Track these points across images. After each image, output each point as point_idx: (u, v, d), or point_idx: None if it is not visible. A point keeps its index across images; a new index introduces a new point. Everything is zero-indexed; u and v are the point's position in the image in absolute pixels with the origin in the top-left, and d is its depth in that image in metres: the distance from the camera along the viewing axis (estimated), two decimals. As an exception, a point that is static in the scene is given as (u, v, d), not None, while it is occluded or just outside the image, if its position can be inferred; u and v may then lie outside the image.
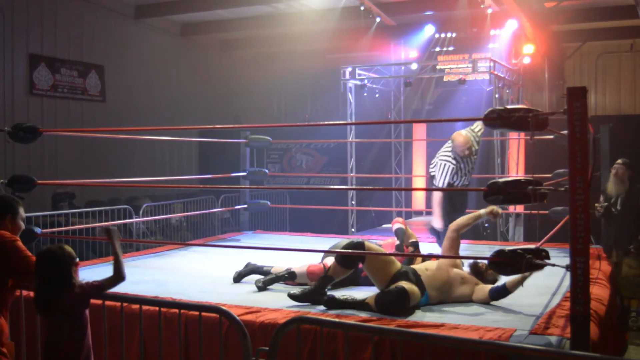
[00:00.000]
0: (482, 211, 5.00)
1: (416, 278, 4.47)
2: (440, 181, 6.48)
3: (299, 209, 10.76)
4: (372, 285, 4.89)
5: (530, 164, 10.39)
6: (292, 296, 4.45)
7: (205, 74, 14.13)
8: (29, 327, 3.95)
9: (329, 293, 4.45)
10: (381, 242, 5.65)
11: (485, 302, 4.51)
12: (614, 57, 13.30)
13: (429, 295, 4.47)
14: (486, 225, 10.28)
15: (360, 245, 4.55)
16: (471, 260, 4.82)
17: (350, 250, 4.54)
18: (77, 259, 3.39)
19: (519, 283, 4.32)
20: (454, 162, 6.40)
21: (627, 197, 7.21)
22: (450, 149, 6.46)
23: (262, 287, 4.99)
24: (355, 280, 5.09)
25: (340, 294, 4.53)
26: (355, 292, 4.79)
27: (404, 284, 4.30)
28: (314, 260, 5.32)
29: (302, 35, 12.83)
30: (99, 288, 3.37)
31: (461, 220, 5.01)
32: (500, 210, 5.01)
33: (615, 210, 7.18)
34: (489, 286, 4.52)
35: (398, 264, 4.61)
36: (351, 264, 4.58)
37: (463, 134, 6.40)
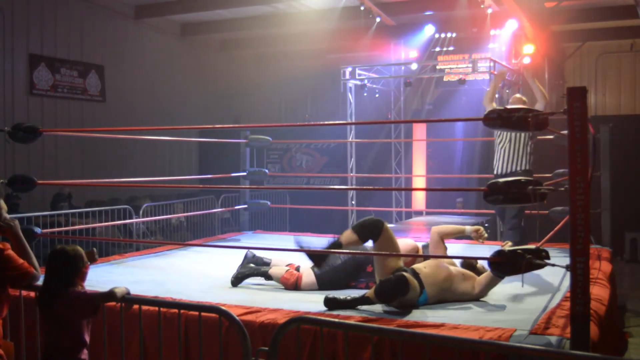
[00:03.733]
0: (468, 228, 5.02)
1: (415, 276, 4.48)
2: None
3: (299, 209, 10.76)
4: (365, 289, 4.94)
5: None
6: (326, 300, 4.39)
7: (205, 74, 14.13)
8: (28, 327, 3.94)
9: (329, 294, 4.45)
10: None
11: (489, 287, 4.55)
12: (614, 57, 13.31)
13: (428, 294, 4.47)
14: (486, 225, 10.28)
15: (379, 222, 4.61)
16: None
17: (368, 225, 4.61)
18: (88, 263, 3.42)
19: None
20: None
21: None
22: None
23: (235, 283, 5.17)
24: (355, 278, 5.09)
25: (339, 293, 4.54)
26: (353, 293, 4.80)
27: (404, 274, 4.34)
28: (302, 264, 5.29)
29: (302, 35, 12.82)
30: (90, 299, 3.34)
31: (445, 228, 5.05)
32: (485, 234, 5.00)
33: None
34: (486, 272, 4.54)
35: (401, 261, 4.64)
36: (365, 236, 4.61)
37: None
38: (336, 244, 4.58)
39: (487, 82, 11.16)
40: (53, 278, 3.33)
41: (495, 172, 6.51)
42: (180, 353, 3.88)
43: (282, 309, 4.29)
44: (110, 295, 3.37)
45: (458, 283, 4.57)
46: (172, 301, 4.23)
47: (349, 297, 4.38)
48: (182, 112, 13.02)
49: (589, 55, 13.39)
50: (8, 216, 3.57)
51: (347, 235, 4.62)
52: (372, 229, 4.59)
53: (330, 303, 4.35)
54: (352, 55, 13.52)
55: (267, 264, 5.35)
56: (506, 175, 6.15)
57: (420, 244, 5.46)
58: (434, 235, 5.00)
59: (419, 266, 4.62)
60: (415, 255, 5.03)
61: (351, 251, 4.73)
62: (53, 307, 3.27)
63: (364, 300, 4.32)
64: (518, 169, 6.30)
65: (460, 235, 5.18)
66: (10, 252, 3.40)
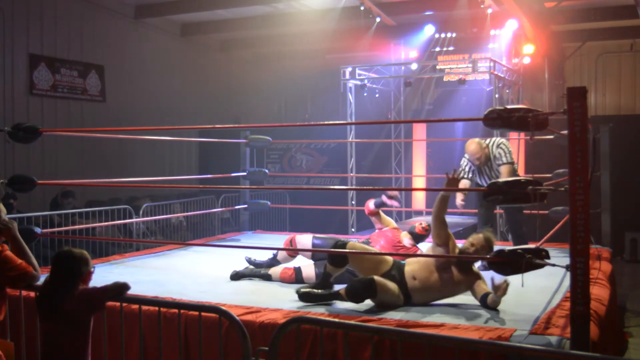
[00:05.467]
0: (443, 193, 4.73)
1: (402, 283, 4.51)
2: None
3: (299, 209, 10.76)
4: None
5: (530, 164, 10.40)
6: (300, 295, 4.54)
7: (205, 74, 14.12)
8: (28, 327, 3.94)
9: (303, 290, 4.56)
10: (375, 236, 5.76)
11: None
12: (614, 57, 13.30)
13: (415, 301, 4.52)
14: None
15: (343, 246, 4.68)
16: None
17: (340, 250, 4.66)
18: (93, 269, 3.41)
19: (498, 301, 4.29)
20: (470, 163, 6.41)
21: None
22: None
23: (235, 277, 5.38)
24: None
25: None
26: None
27: (374, 277, 4.42)
28: (304, 262, 5.48)
29: (302, 35, 12.82)
30: (100, 293, 3.35)
31: (435, 208, 4.75)
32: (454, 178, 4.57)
33: None
34: (484, 289, 4.42)
35: (388, 264, 4.65)
36: (340, 263, 4.69)
37: (475, 142, 6.33)
38: (327, 275, 4.69)
39: (487, 82, 11.17)
40: (57, 280, 3.32)
41: None
42: (180, 353, 3.88)
43: (282, 309, 4.30)
44: (119, 287, 3.37)
45: (449, 288, 4.51)
46: (172, 301, 4.23)
47: (322, 292, 4.50)
48: (182, 112, 13.02)
49: (589, 55, 13.38)
50: (6, 218, 3.57)
51: (327, 266, 4.72)
52: (340, 257, 4.67)
53: (305, 297, 4.50)
54: (352, 55, 13.52)
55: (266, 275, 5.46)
56: None
57: (404, 232, 5.54)
58: (435, 222, 4.72)
59: (408, 273, 4.56)
60: (412, 255, 5.02)
61: (353, 251, 4.74)
62: (60, 306, 3.25)
63: (336, 296, 4.47)
64: None
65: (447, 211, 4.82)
66: (8, 252, 3.40)
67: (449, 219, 6.10)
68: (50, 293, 3.31)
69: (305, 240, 5.59)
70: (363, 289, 4.35)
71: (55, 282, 3.33)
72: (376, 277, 4.41)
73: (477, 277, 4.52)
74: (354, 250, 4.65)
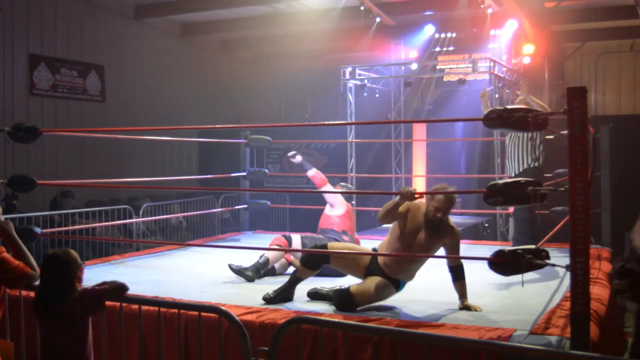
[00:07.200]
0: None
1: (384, 274, 4.53)
2: None
3: (299, 208, 10.76)
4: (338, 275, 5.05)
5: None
6: (266, 299, 4.60)
7: (205, 74, 14.12)
8: (28, 327, 3.94)
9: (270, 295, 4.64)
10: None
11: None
12: (614, 57, 13.29)
13: (404, 279, 4.57)
14: (486, 225, 10.29)
15: (323, 248, 4.70)
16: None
17: (322, 250, 4.70)
18: (83, 265, 3.39)
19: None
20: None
21: None
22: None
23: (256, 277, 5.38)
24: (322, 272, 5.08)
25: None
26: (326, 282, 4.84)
27: (355, 286, 4.47)
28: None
29: (302, 35, 12.81)
30: (99, 295, 3.33)
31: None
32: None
33: None
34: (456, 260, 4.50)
35: (367, 257, 4.67)
36: (315, 265, 4.71)
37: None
38: (297, 279, 4.73)
39: (487, 82, 11.16)
40: (52, 285, 3.28)
41: (508, 175, 6.51)
42: (180, 353, 3.88)
43: (282, 309, 4.30)
44: (118, 288, 3.36)
45: (423, 254, 4.52)
46: (172, 301, 4.24)
47: (326, 291, 4.62)
48: (182, 112, 13.01)
49: (589, 55, 13.37)
50: (2, 218, 3.55)
51: (299, 268, 4.78)
52: (316, 260, 4.69)
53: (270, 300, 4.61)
54: (352, 55, 13.51)
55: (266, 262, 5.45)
56: (517, 176, 6.11)
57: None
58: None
59: (382, 265, 4.57)
60: (390, 255, 4.94)
61: (344, 251, 4.73)
62: (60, 308, 3.23)
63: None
64: (526, 167, 6.29)
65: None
66: (6, 254, 3.39)
67: (451, 218, 6.05)
68: (48, 297, 3.28)
69: (294, 240, 5.62)
70: (342, 303, 4.39)
71: (50, 287, 3.28)
72: (352, 289, 4.42)
73: (450, 234, 4.52)
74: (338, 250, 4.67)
